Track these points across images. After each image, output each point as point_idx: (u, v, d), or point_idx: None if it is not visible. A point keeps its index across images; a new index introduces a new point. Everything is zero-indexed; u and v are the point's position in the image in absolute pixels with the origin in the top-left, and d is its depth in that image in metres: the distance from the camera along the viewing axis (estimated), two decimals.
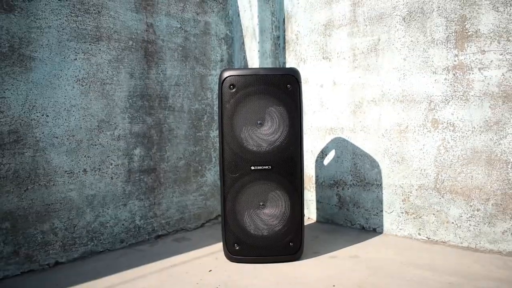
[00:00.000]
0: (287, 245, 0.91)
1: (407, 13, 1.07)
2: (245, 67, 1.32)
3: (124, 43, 1.07)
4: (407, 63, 1.08)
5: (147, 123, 1.12)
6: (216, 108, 1.29)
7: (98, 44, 1.01)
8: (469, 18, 0.96)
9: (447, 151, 1.01)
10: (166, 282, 0.83)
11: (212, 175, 1.29)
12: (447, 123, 1.01)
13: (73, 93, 0.96)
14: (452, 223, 1.01)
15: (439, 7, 1.01)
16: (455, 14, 0.98)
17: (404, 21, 1.07)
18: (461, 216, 0.99)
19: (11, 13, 0.87)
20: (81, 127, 0.98)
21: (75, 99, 0.97)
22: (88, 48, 0.99)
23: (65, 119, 0.95)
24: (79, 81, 0.98)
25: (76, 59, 0.97)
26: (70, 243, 0.96)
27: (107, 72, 1.03)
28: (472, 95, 0.97)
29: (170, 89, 1.18)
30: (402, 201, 1.10)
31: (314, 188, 1.30)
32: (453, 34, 0.99)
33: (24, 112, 0.89)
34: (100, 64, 1.01)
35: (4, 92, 0.86)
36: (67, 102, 0.95)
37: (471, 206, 0.98)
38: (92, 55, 1.00)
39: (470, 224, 0.98)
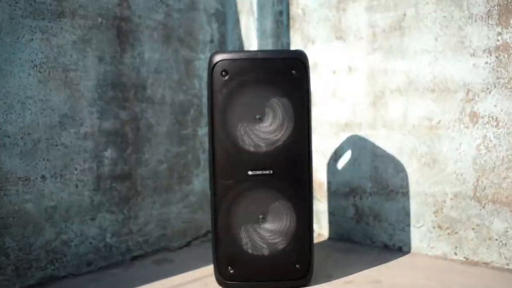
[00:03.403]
0: (292, 267, 0.90)
1: None
2: (241, 49, 1.31)
3: (92, 20, 1.05)
4: (439, 44, 1.07)
5: (120, 118, 1.11)
6: (205, 100, 1.29)
7: (60, 21, 1.00)
8: None
9: (489, 151, 1.00)
10: None
11: (200, 182, 1.29)
12: (489, 117, 1.00)
13: (28, 81, 0.95)
14: (496, 239, 1.00)
15: None
16: None
17: None
18: (507, 232, 0.99)
19: None
20: (38, 124, 0.97)
21: (31, 89, 0.95)
22: (47, 26, 0.98)
23: (19, 114, 0.94)
24: (36, 67, 0.96)
25: (32, 39, 0.95)
26: (25, 266, 0.94)
27: (71, 56, 1.02)
28: None
29: (148, 77, 1.17)
30: (434, 213, 1.09)
31: (326, 198, 1.29)
32: (496, 7, 0.98)
33: None
34: (62, 46, 1.00)
35: None
36: (22, 93, 0.94)
37: None
38: (52, 35, 0.98)
39: None
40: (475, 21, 1.01)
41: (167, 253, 1.17)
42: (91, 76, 1.05)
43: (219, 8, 1.33)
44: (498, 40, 0.98)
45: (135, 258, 1.13)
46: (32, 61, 0.95)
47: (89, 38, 1.04)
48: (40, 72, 0.96)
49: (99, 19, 1.06)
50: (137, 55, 1.14)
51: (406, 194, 1.13)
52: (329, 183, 1.28)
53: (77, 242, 1.03)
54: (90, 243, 1.05)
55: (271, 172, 0.89)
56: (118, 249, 1.11)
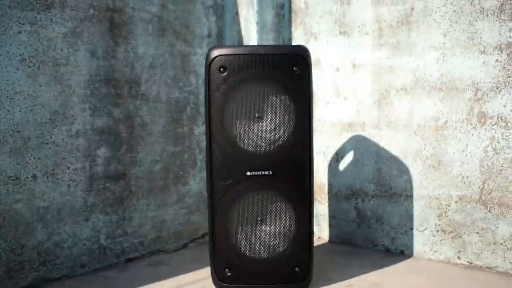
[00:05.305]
0: (291, 270, 0.90)
1: None
2: (240, 44, 1.30)
3: (83, 11, 1.03)
4: (448, 40, 1.05)
5: (113, 116, 1.10)
6: (202, 97, 1.28)
7: (49, 13, 0.98)
8: None
9: (497, 153, 1.00)
10: None
11: (197, 182, 1.28)
12: (498, 118, 0.99)
13: (17, 76, 0.93)
14: (501, 244, 1.00)
15: None
16: None
17: None
18: None
19: None
20: (28, 121, 0.95)
21: (20, 84, 0.94)
22: (36, 18, 0.96)
23: (8, 111, 0.92)
24: (25, 60, 0.95)
25: (20, 32, 0.93)
26: (17, 268, 0.94)
27: (61, 49, 1.00)
28: None
29: (143, 73, 1.15)
30: (438, 216, 1.09)
31: (327, 200, 1.29)
32: (509, 2, 0.97)
33: None
34: (52, 39, 0.98)
35: None
36: (10, 89, 0.93)
37: None
38: (41, 27, 0.97)
39: None
40: (487, 16, 0.99)
41: (163, 256, 1.17)
42: (82, 71, 1.04)
43: (217, 0, 1.31)
44: (510, 37, 0.96)
45: (130, 260, 1.13)
46: (20, 55, 0.93)
47: (80, 31, 1.02)
48: (29, 66, 0.95)
49: (91, 11, 1.04)
50: (130, 50, 1.12)
51: (409, 196, 1.13)
52: (330, 185, 1.28)
53: (70, 243, 1.02)
54: (84, 244, 1.05)
55: (271, 172, 0.88)
56: (112, 251, 1.11)
